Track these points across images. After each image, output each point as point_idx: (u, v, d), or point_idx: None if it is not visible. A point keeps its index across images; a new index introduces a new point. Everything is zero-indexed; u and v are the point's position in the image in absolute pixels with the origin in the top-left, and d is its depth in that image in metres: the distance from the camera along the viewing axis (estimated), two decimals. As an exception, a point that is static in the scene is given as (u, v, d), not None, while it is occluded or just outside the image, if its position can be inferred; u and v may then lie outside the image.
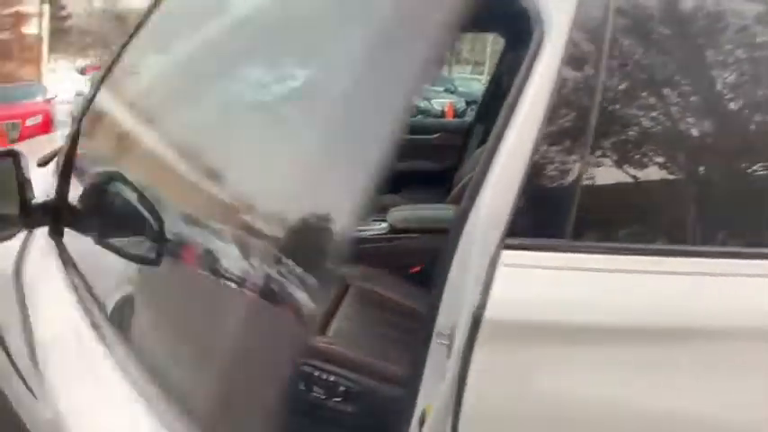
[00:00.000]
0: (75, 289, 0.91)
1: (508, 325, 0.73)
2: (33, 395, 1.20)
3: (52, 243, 1.03)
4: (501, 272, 0.71)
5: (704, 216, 0.83)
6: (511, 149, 0.74)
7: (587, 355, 0.75)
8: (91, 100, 1.14)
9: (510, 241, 0.73)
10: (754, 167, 0.83)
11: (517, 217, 0.73)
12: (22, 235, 1.13)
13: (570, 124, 0.78)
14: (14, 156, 1.02)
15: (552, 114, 0.74)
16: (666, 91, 0.82)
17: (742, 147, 0.83)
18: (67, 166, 1.07)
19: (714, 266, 0.76)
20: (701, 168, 0.83)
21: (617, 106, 0.81)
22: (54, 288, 0.95)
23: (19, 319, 1.01)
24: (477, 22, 1.10)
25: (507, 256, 0.72)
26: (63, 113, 11.19)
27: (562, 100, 0.76)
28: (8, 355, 1.22)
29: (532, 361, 0.75)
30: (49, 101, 9.31)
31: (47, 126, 7.85)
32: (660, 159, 0.81)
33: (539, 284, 0.74)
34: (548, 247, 0.76)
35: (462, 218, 0.76)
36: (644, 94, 0.82)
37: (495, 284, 0.71)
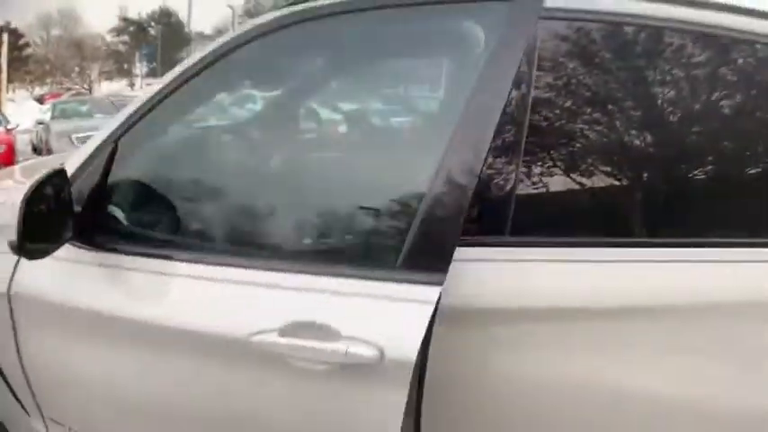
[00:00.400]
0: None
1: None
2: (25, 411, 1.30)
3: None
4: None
5: (614, 212, 1.03)
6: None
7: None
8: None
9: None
10: (644, 173, 1.04)
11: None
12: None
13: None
14: (63, 173, 1.09)
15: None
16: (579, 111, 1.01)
17: (630, 157, 1.02)
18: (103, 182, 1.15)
19: (623, 254, 0.95)
20: (608, 176, 1.02)
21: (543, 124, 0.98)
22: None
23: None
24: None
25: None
26: (23, 143, 11.00)
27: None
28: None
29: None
30: (10, 131, 9.19)
31: (9, 155, 7.76)
32: (576, 168, 0.99)
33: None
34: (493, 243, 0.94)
35: None
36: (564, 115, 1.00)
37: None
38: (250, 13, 30.92)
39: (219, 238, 1.23)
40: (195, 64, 1.17)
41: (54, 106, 11.34)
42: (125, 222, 1.20)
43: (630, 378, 0.91)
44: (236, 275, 1.02)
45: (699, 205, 0.99)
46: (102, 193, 1.15)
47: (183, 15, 37.21)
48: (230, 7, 34.11)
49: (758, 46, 0.94)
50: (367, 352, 0.88)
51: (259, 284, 1.00)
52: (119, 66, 37.24)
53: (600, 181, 0.99)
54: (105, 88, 32.10)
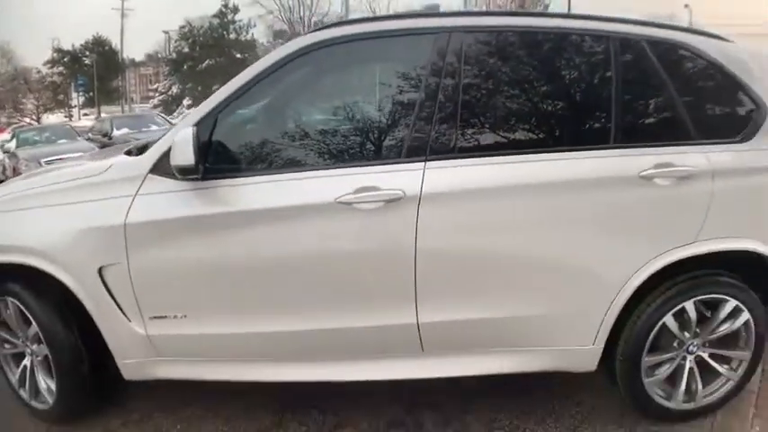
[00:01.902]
0: None
1: None
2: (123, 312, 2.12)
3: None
4: None
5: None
6: None
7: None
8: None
9: None
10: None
11: None
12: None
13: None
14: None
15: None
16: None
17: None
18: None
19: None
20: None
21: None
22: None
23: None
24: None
25: None
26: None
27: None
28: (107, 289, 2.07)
29: None
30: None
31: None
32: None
33: None
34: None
35: None
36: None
37: None
38: (186, 37, 31.15)
39: (309, 159, 2.14)
40: (262, 72, 2.07)
41: (17, 135, 11.77)
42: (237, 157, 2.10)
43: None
44: (325, 174, 2.03)
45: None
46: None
47: (116, 43, 37.02)
48: (166, 32, 34.27)
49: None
50: (397, 193, 1.93)
51: (339, 175, 2.01)
52: (55, 97, 36.50)
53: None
54: (44, 121, 31.55)
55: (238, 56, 31.45)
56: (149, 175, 2.05)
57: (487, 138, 2.12)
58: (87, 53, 36.34)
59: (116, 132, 11.11)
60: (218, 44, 30.43)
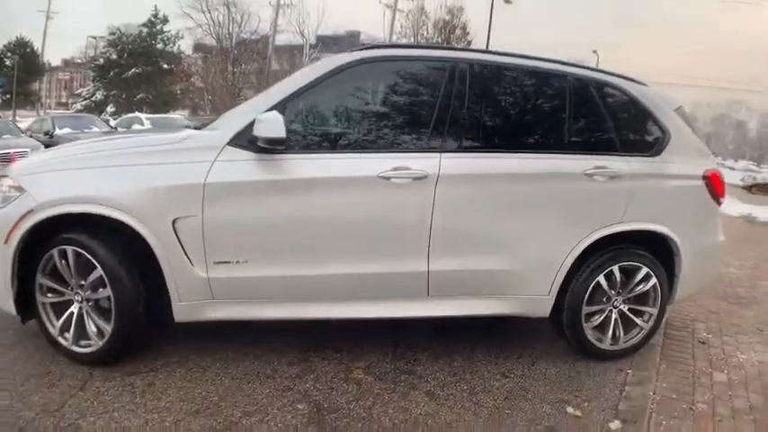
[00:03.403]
0: None
1: None
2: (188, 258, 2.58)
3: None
4: None
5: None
6: None
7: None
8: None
9: None
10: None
11: None
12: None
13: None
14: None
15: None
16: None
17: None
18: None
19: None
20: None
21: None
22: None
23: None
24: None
25: None
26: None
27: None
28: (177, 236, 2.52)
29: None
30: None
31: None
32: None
33: None
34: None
35: None
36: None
37: None
38: (115, 44, 30.35)
39: (357, 144, 2.73)
40: (320, 76, 2.69)
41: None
42: (299, 138, 2.62)
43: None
44: (369, 155, 2.65)
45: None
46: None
47: (38, 46, 35.19)
48: (93, 38, 33.09)
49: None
50: (422, 173, 2.62)
51: (382, 157, 2.64)
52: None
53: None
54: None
55: (165, 66, 31.03)
56: (227, 146, 2.55)
57: (481, 139, 2.84)
58: (9, 54, 34.06)
59: (58, 131, 10.88)
60: (146, 53, 29.90)
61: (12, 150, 8.68)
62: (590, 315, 3.04)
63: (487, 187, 2.77)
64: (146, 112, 19.47)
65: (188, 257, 2.55)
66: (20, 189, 2.60)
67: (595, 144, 3.01)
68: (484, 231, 2.79)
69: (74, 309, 2.66)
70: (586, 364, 3.04)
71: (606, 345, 3.08)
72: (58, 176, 2.61)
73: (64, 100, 50.83)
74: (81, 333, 2.66)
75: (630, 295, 3.09)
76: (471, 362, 2.98)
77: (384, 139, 2.78)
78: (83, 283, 2.62)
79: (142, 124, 13.97)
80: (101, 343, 2.61)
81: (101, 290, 2.58)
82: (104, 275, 2.53)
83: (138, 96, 29.75)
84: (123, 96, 29.68)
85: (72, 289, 2.65)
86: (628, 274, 3.05)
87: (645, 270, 3.05)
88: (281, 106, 2.60)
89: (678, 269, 3.14)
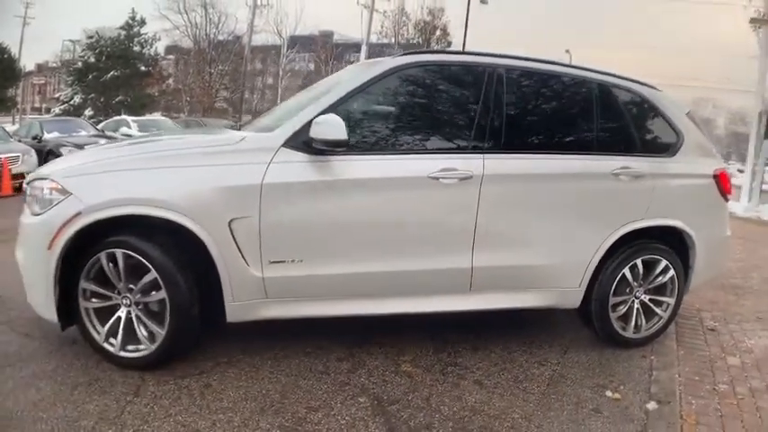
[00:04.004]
0: None
1: None
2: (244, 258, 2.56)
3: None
4: None
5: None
6: None
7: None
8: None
9: None
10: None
11: None
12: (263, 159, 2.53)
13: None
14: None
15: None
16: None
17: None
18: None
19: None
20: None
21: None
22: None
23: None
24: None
25: None
26: None
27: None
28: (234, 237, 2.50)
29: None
30: None
31: None
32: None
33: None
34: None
35: None
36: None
37: None
38: (93, 47, 29.52)
39: (407, 146, 2.76)
40: (369, 80, 2.74)
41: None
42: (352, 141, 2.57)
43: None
44: (419, 157, 2.71)
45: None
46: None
47: (15, 52, 33.99)
48: (72, 42, 32.17)
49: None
50: (468, 173, 2.69)
51: (430, 158, 2.70)
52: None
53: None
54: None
55: (143, 68, 30.41)
56: (282, 147, 2.55)
57: (519, 140, 2.91)
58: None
59: (47, 135, 10.49)
60: (124, 55, 29.15)
61: (2, 156, 8.40)
62: (615, 305, 3.16)
63: (526, 186, 2.86)
64: (125, 115, 19.09)
65: (243, 258, 2.53)
66: (64, 192, 2.48)
67: (620, 146, 3.13)
68: (523, 228, 2.88)
69: (121, 313, 2.58)
70: (613, 352, 3.17)
71: (630, 333, 3.21)
72: (109, 178, 2.51)
73: (38, 105, 49.12)
74: (129, 337, 2.57)
75: (651, 286, 3.22)
76: (508, 352, 3.06)
77: (431, 140, 2.84)
78: (132, 286, 2.54)
79: (129, 127, 13.65)
80: (153, 347, 2.55)
81: (153, 293, 2.52)
82: (159, 278, 2.47)
83: (116, 99, 28.99)
84: (102, 100, 28.86)
85: (119, 293, 2.57)
86: (648, 266, 3.18)
87: (664, 263, 3.19)
88: (332, 109, 2.62)
89: (693, 261, 3.29)
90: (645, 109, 3.26)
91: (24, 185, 2.80)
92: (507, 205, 2.82)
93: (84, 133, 11.36)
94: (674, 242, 3.23)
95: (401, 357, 2.90)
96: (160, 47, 32.72)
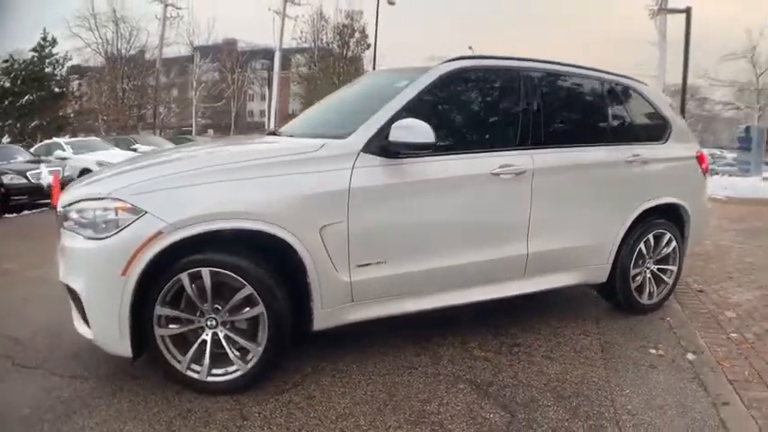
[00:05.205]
0: None
1: None
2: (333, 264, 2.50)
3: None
4: None
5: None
6: None
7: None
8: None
9: None
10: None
11: None
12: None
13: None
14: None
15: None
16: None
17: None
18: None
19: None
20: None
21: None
22: None
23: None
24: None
25: None
26: None
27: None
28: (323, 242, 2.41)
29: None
30: None
31: None
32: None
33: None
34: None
35: None
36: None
37: None
38: (8, 72, 26.55)
39: (471, 146, 2.84)
40: (420, 91, 2.74)
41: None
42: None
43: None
44: (482, 155, 2.79)
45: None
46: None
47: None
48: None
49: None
50: (521, 168, 2.82)
51: (490, 156, 2.78)
52: None
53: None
54: None
55: (56, 90, 28.05)
56: (361, 153, 2.50)
57: (557, 136, 3.09)
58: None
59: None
60: (38, 78, 26.64)
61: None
62: (634, 277, 3.44)
63: (566, 176, 3.04)
64: (39, 141, 17.53)
65: (333, 264, 2.46)
66: (135, 210, 2.22)
67: (628, 136, 3.42)
68: (566, 214, 3.06)
69: (206, 336, 2.36)
70: (635, 318, 3.44)
71: (645, 300, 3.50)
72: (188, 193, 2.28)
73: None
74: (215, 361, 2.36)
75: (658, 257, 3.55)
76: (553, 329, 3.22)
77: (487, 139, 2.94)
78: (218, 306, 2.35)
79: (63, 149, 12.52)
80: (247, 366, 2.37)
81: (246, 309, 2.35)
82: (255, 293, 2.31)
83: (32, 124, 26.45)
84: (18, 126, 26.23)
85: (202, 314, 2.35)
86: (657, 240, 3.50)
87: (668, 235, 3.52)
88: (400, 115, 2.61)
89: (687, 232, 3.66)
90: (641, 102, 3.58)
91: (59, 209, 2.48)
92: (552, 195, 2.98)
93: (20, 159, 10.26)
94: (673, 216, 3.58)
95: (468, 345, 2.97)
96: (72, 66, 30.28)
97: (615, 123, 3.40)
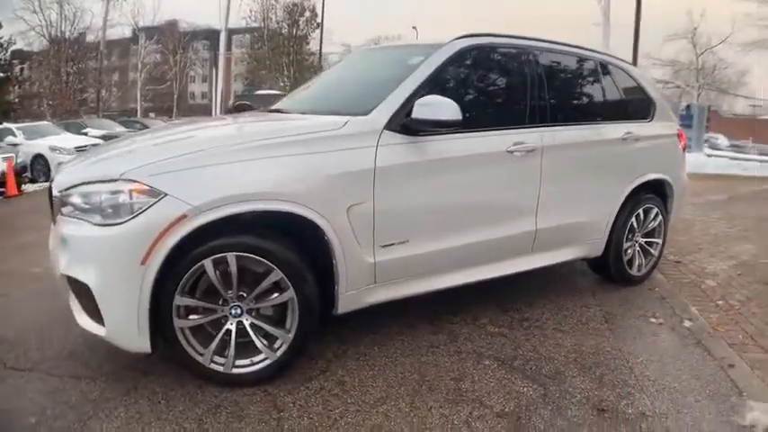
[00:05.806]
0: None
1: None
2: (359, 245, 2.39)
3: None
4: None
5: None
6: None
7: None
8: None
9: None
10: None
11: None
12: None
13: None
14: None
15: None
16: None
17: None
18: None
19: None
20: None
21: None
22: None
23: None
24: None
25: None
26: None
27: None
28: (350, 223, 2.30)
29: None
30: None
31: None
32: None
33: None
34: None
35: None
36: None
37: None
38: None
39: (488, 123, 2.74)
40: (437, 67, 2.62)
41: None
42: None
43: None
44: (498, 133, 2.73)
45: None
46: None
47: None
48: None
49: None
50: (533, 146, 2.80)
51: (504, 134, 2.74)
52: None
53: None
54: None
55: (1, 75, 25.91)
56: (384, 130, 2.38)
57: (562, 114, 3.06)
58: None
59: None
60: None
61: None
62: (626, 250, 3.54)
63: (571, 153, 3.04)
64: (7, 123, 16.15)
65: (359, 244, 2.33)
66: (153, 193, 2.00)
67: (621, 114, 3.48)
68: (571, 190, 3.07)
69: (230, 326, 2.19)
70: (626, 289, 3.54)
71: (635, 272, 3.61)
72: (211, 173, 2.07)
73: None
74: (240, 351, 2.21)
75: (646, 231, 3.65)
76: (555, 303, 3.26)
77: (501, 117, 2.88)
78: (243, 293, 2.18)
79: (15, 135, 11.55)
80: (277, 354, 2.23)
81: (275, 295, 2.19)
82: (285, 277, 2.16)
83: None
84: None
85: (225, 303, 2.18)
86: (646, 214, 3.60)
87: (655, 210, 3.62)
88: (419, 92, 2.50)
89: (670, 206, 3.79)
90: (631, 82, 3.63)
91: (56, 193, 2.22)
92: (560, 171, 2.98)
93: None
94: (659, 191, 3.69)
95: (479, 321, 2.95)
96: (15, 51, 28.07)
97: (611, 102, 3.44)
